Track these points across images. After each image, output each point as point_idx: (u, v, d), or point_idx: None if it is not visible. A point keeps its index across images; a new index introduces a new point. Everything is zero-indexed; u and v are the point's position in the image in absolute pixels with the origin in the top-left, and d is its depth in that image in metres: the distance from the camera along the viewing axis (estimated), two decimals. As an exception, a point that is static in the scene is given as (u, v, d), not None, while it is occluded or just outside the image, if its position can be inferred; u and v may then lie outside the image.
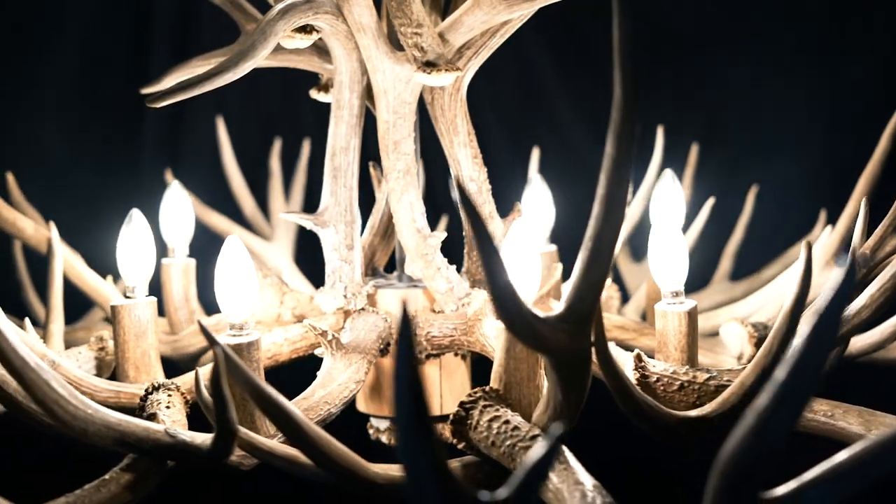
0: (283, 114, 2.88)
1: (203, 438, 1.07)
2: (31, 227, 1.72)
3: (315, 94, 1.57)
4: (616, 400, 1.07)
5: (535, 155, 2.17)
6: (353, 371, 1.34)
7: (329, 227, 1.48)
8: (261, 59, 1.22)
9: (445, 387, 1.50)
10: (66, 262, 1.70)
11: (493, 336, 1.36)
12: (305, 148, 2.43)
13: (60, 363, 1.37)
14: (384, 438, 1.50)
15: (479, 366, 1.43)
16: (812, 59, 2.74)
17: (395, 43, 1.43)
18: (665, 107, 2.51)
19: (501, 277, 0.81)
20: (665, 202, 1.56)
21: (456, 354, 1.51)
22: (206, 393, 1.08)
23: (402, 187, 1.45)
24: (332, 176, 1.48)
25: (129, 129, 2.85)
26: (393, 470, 1.07)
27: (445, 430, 1.47)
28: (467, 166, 1.46)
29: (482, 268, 0.80)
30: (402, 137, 1.44)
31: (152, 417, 1.16)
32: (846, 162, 1.86)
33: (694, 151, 2.21)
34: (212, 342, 0.95)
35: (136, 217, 1.49)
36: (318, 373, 1.34)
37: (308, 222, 1.48)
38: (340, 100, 1.47)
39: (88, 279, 1.73)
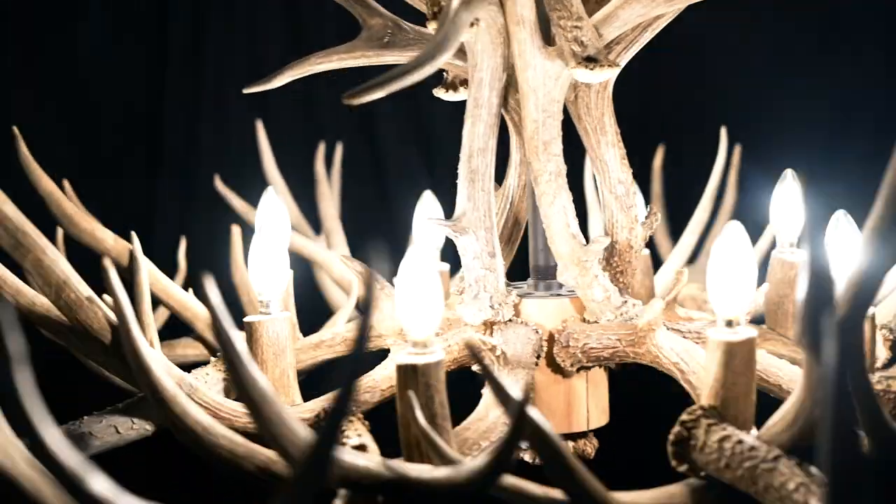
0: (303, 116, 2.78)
1: (427, 469, 0.97)
2: (111, 237, 1.60)
3: (442, 94, 1.48)
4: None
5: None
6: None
7: (469, 234, 1.39)
8: (453, 51, 1.13)
9: (591, 400, 1.42)
10: (151, 275, 1.58)
11: (669, 348, 1.28)
12: (338, 152, 2.33)
13: (198, 387, 1.26)
14: (527, 457, 1.41)
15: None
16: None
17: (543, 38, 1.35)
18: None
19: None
20: (784, 205, 1.50)
21: (600, 366, 1.43)
22: (423, 421, 0.99)
23: (554, 190, 1.37)
24: (468, 179, 1.39)
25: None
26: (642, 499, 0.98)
27: (587, 446, 1.40)
28: (615, 167, 1.39)
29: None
30: (552, 137, 1.36)
31: (361, 448, 1.06)
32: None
33: (737, 153, 2.17)
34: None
35: (266, 227, 1.38)
36: (485, 391, 1.25)
37: (445, 229, 1.38)
38: (479, 98, 1.38)
39: (175, 293, 1.60)
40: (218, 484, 1.67)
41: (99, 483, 0.75)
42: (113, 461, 1.08)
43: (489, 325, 1.40)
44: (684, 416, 1.08)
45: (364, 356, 0.74)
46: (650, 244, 1.97)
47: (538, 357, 1.37)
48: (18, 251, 1.19)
